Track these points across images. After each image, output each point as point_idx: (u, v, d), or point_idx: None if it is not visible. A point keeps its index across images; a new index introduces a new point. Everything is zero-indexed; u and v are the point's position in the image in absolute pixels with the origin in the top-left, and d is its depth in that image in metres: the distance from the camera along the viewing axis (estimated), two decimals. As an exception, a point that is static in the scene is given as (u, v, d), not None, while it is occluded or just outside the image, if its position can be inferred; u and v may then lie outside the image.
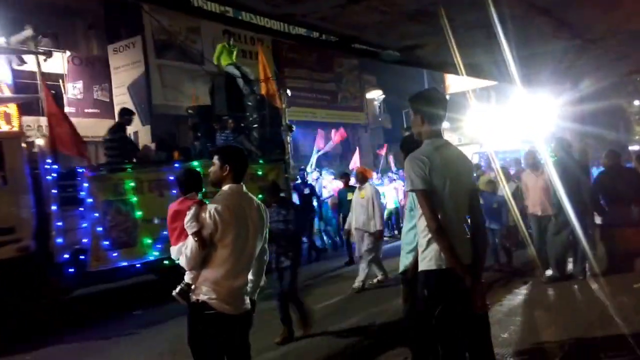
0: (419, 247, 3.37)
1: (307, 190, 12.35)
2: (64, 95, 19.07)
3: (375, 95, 27.53)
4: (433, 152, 3.28)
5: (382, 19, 5.20)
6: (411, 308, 4.43)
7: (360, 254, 8.98)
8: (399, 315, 5.38)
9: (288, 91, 13.37)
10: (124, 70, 20.12)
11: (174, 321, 6.65)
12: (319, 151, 17.75)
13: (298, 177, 12.74)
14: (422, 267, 3.31)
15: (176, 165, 9.15)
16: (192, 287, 3.40)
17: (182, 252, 3.39)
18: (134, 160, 9.37)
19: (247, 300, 3.49)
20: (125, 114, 10.01)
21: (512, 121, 17.69)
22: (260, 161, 10.60)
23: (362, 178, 9.19)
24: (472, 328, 3.37)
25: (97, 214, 8.08)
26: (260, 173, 10.51)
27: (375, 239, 8.77)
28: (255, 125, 11.55)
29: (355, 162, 17.11)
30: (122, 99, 20.26)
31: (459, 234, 3.26)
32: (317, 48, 19.71)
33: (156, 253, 8.44)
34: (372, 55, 6.71)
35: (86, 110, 19.25)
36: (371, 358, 5.55)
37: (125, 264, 8.31)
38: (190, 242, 3.31)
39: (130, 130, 19.82)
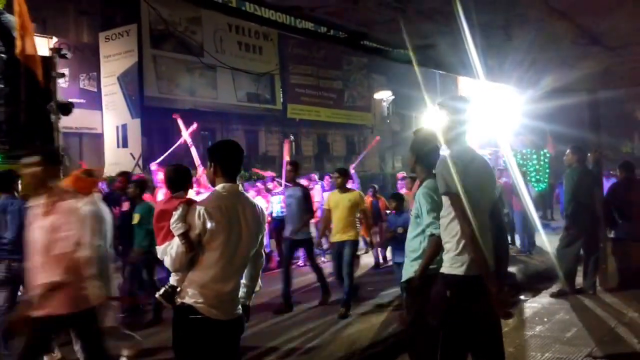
0: (445, 250, 3.57)
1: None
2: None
3: (384, 95, 27.54)
4: (466, 156, 3.55)
5: (394, 16, 5.37)
6: (415, 317, 4.54)
7: None
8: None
9: (67, 52, 8.63)
10: (115, 59, 20.05)
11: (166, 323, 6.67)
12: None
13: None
14: (449, 270, 3.51)
15: None
16: (178, 289, 3.39)
17: (167, 252, 3.39)
18: None
19: (239, 306, 3.48)
20: None
21: (473, 123, 17.47)
22: None
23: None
24: (484, 340, 3.64)
25: None
26: None
27: None
28: (1, 102, 7.94)
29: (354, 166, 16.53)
30: (110, 89, 20.20)
31: (486, 240, 3.47)
32: (325, 44, 19.68)
33: None
34: (382, 54, 6.87)
35: (70, 100, 19.19)
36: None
37: None
38: (176, 243, 3.31)
39: (118, 122, 20.00)
